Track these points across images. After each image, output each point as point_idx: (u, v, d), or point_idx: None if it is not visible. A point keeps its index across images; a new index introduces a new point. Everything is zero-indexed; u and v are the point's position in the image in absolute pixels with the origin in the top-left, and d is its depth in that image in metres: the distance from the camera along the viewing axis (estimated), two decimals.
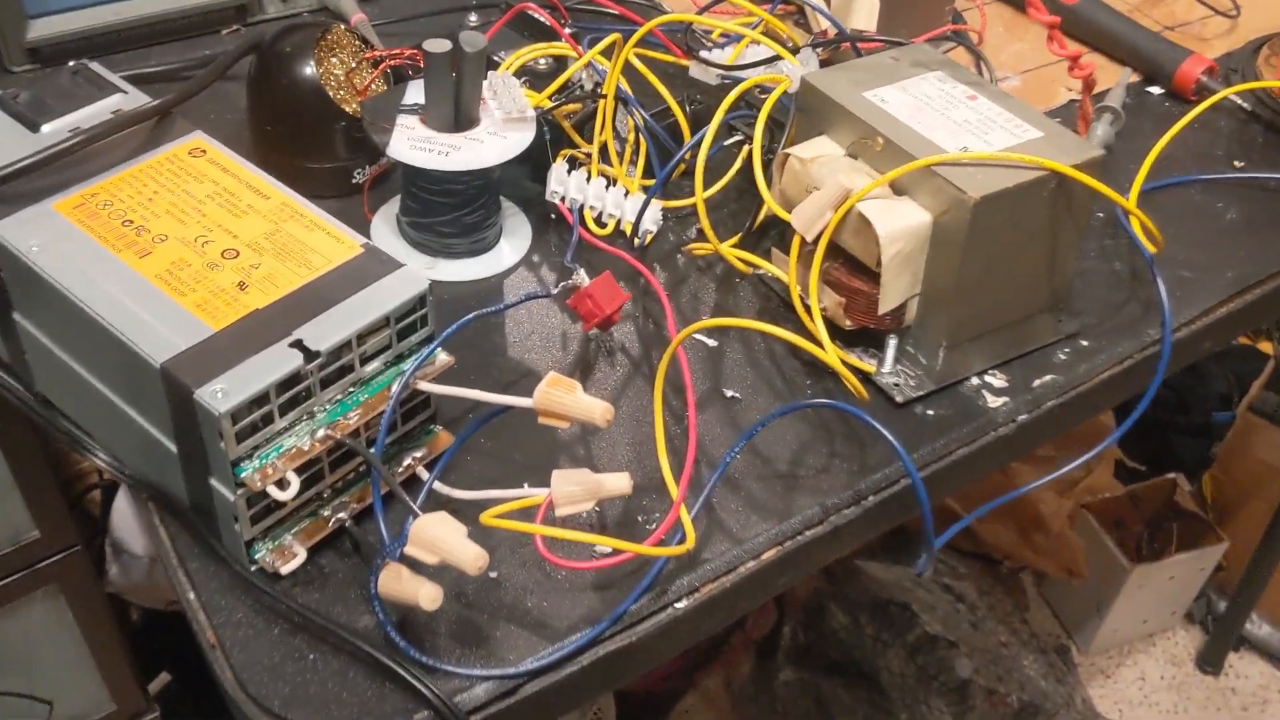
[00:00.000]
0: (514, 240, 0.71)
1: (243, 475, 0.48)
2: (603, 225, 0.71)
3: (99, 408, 0.54)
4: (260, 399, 0.48)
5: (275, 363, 0.48)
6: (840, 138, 0.63)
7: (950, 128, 0.60)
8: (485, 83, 0.67)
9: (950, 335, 0.60)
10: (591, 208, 0.71)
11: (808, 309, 0.61)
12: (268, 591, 0.51)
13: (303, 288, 0.52)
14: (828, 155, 0.62)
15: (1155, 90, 0.87)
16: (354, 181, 0.73)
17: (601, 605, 0.53)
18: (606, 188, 0.71)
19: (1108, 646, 1.53)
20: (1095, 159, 0.58)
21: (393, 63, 0.69)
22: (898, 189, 0.60)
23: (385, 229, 0.70)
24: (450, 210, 0.67)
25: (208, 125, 0.62)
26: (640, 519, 0.56)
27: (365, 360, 0.52)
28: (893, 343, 0.62)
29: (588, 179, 0.71)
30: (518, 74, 0.75)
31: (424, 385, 0.53)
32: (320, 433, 0.50)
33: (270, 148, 0.72)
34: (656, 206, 0.72)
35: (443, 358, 0.54)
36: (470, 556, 0.45)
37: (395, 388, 0.52)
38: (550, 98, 0.71)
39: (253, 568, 0.52)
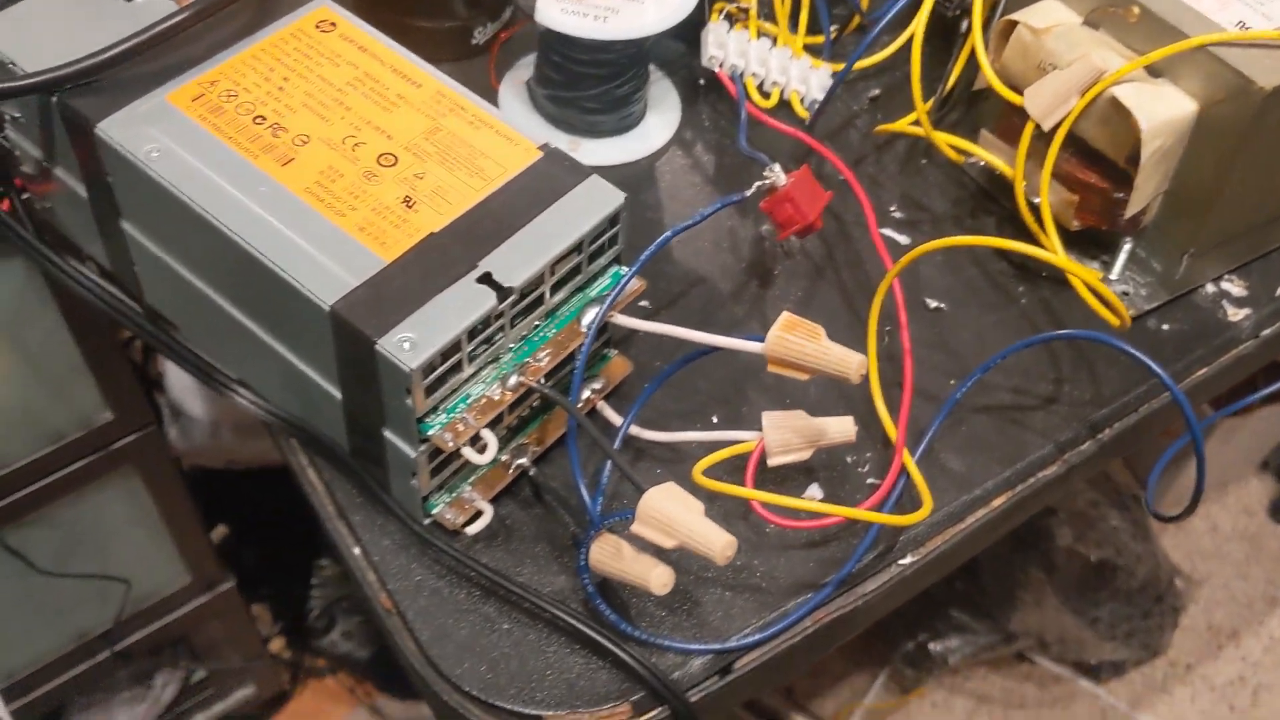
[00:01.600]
0: (662, 113, 0.62)
1: (430, 433, 0.41)
2: (765, 95, 0.62)
3: (234, 336, 0.46)
4: (451, 348, 0.40)
5: (465, 303, 0.41)
6: (1076, 2, 0.53)
7: None
8: None
9: (1199, 242, 0.52)
10: (754, 74, 0.61)
11: (1033, 209, 0.52)
12: (449, 550, 0.45)
13: (479, 205, 0.43)
14: (1064, 24, 0.52)
15: None
16: (474, 43, 0.63)
17: (819, 566, 0.46)
18: (770, 49, 0.61)
19: (1181, 499, 1.50)
20: None
21: None
22: (1153, 71, 0.50)
23: (516, 101, 0.61)
24: (599, 83, 0.58)
25: None
26: (849, 459, 0.50)
27: (554, 290, 0.44)
28: (1127, 247, 0.54)
29: (748, 39, 0.61)
30: None
31: (621, 319, 0.45)
32: (512, 380, 0.43)
33: (374, 2, 0.62)
34: (826, 72, 0.62)
35: (634, 284, 0.46)
36: (720, 545, 0.38)
37: (588, 321, 0.45)
38: None
39: (426, 521, 0.46)
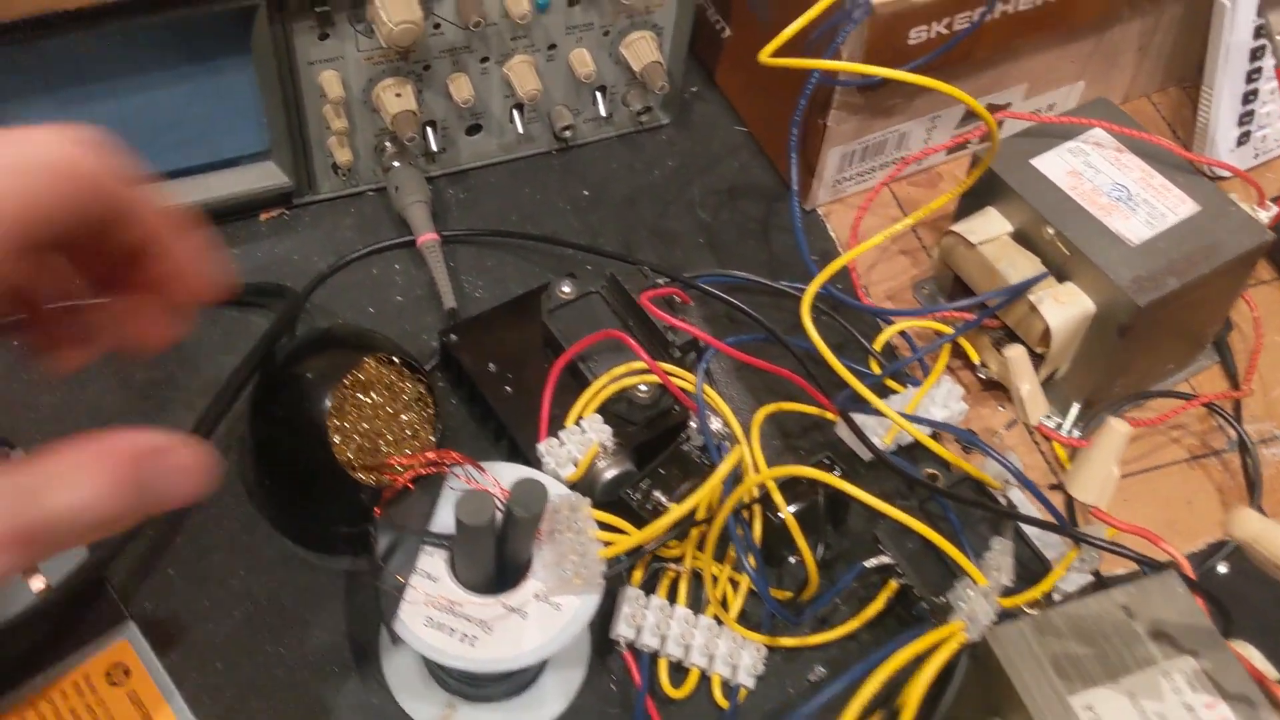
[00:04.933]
0: (563, 669, 0.54)
1: None
2: (678, 684, 0.53)
3: None
4: None
5: None
6: None
7: None
8: (549, 509, 0.48)
9: None
10: (669, 655, 0.53)
11: None
12: None
13: None
14: None
15: None
16: None
17: None
18: (692, 623, 0.53)
19: None
20: None
21: (421, 472, 0.51)
22: None
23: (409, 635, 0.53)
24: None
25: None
26: None
27: None
28: None
29: (670, 605, 0.52)
30: (611, 401, 0.56)
31: None
32: None
33: (270, 495, 0.56)
34: (757, 650, 0.53)
35: None
36: None
37: None
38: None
39: None
